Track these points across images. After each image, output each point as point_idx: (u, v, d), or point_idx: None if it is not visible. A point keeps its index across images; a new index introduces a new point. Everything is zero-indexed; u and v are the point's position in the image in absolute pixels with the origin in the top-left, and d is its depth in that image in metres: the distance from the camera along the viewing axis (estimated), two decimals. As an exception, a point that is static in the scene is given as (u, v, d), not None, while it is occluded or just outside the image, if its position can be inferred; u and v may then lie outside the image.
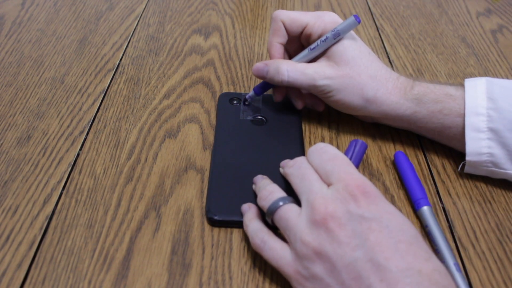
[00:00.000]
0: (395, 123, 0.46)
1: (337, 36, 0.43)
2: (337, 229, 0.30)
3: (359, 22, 0.42)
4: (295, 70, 0.44)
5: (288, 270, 0.32)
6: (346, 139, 0.47)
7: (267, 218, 0.35)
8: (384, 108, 0.43)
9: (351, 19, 0.42)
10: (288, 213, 0.33)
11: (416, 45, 0.63)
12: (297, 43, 0.48)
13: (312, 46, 0.45)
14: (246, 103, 0.49)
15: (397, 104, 0.43)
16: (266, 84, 0.47)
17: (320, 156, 0.35)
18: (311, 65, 0.44)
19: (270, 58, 0.47)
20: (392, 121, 0.45)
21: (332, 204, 0.31)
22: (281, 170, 0.39)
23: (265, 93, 0.49)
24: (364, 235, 0.29)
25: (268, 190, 0.36)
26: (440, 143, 0.46)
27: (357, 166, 0.40)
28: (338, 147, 0.46)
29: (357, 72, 0.43)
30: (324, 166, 0.34)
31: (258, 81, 0.54)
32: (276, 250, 0.33)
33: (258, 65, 0.46)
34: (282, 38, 0.47)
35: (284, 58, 0.47)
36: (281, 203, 0.34)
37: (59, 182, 0.41)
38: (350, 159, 0.40)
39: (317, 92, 0.44)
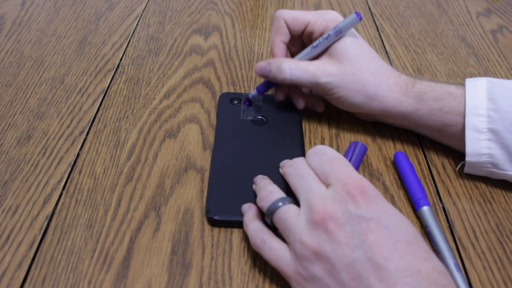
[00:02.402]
0: (396, 121, 0.46)
1: (339, 34, 0.43)
2: (336, 230, 0.30)
3: (360, 19, 0.42)
4: (297, 68, 0.44)
5: (287, 271, 0.32)
6: (346, 139, 0.47)
7: (266, 218, 0.35)
8: (386, 105, 0.43)
9: (353, 16, 0.42)
10: (287, 213, 0.33)
11: (416, 45, 0.63)
12: (300, 42, 0.49)
13: (314, 44, 0.45)
14: (249, 102, 0.49)
15: (398, 101, 0.43)
16: (269, 83, 0.47)
17: (319, 157, 0.35)
18: (313, 62, 0.44)
19: (273, 56, 0.47)
20: (393, 118, 0.45)
21: (331, 204, 0.31)
22: (280, 170, 0.39)
23: (266, 93, 0.49)
24: (363, 235, 0.29)
25: (267, 191, 0.36)
26: (440, 143, 0.46)
27: (356, 168, 0.40)
28: (338, 148, 0.46)
29: (359, 69, 0.43)
30: (322, 167, 0.34)
31: (258, 81, 0.54)
32: (275, 250, 0.33)
33: (261, 64, 0.46)
34: (285, 36, 0.47)
35: (286, 56, 0.48)
36: (280, 204, 0.34)
37: (59, 182, 0.41)
38: (350, 161, 0.40)
39: (320, 90, 0.44)
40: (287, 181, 0.37)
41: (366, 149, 0.41)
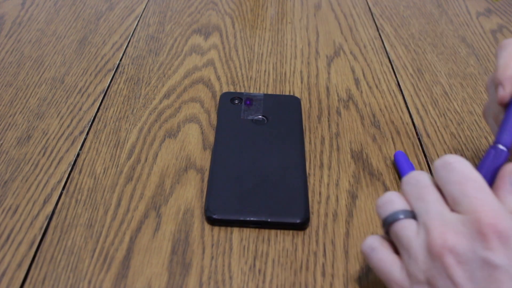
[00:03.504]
0: None
1: None
2: (454, 267, 0.26)
3: None
4: None
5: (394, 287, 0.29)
6: (346, 139, 0.47)
7: (383, 227, 0.31)
8: None
9: None
10: (404, 230, 0.29)
11: (416, 45, 0.63)
12: None
13: None
14: (249, 102, 0.48)
15: None
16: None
17: (448, 174, 0.29)
18: None
19: (503, 76, 0.35)
20: None
21: (454, 236, 0.27)
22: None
23: (265, 92, 0.49)
24: (483, 283, 0.25)
25: (387, 197, 0.31)
26: (440, 143, 0.46)
27: (490, 184, 0.31)
28: (338, 147, 0.46)
29: None
30: (451, 188, 0.29)
31: (258, 81, 0.54)
32: (384, 262, 0.30)
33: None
34: None
35: None
36: (400, 216, 0.30)
37: (59, 182, 0.41)
38: (485, 176, 0.31)
39: None
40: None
41: (506, 157, 0.32)
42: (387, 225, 0.31)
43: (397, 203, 0.31)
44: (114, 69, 0.55)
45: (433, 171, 0.31)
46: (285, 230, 0.38)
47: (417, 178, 0.31)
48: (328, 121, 0.49)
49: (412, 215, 0.30)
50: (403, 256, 0.29)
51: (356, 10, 0.71)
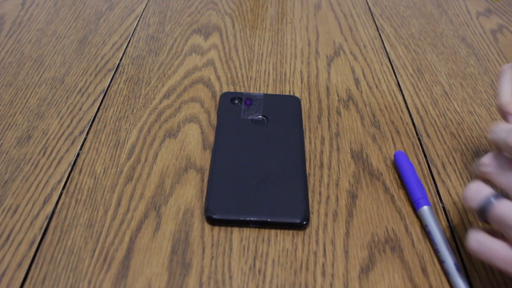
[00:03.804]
0: None
1: None
2: None
3: None
4: None
5: None
6: (346, 139, 0.47)
7: (480, 219, 0.31)
8: None
9: None
10: (509, 210, 0.29)
11: (416, 45, 0.63)
12: None
13: None
14: (249, 101, 0.48)
15: None
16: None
17: None
18: None
19: (503, 110, 0.36)
20: None
21: None
22: (478, 168, 0.33)
23: (265, 92, 0.49)
24: None
25: (472, 188, 0.32)
26: (440, 143, 0.46)
27: None
28: (338, 147, 0.46)
29: None
30: None
31: (259, 80, 0.54)
32: (497, 251, 0.29)
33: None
34: None
35: None
36: (495, 199, 0.30)
37: (59, 182, 0.41)
38: None
39: None
40: (492, 181, 0.32)
41: None
42: (486, 212, 0.30)
43: (484, 189, 0.31)
44: (114, 69, 0.55)
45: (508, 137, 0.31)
46: (285, 230, 0.38)
47: (498, 160, 0.31)
48: (328, 121, 0.49)
49: (503, 195, 0.30)
50: (511, 236, 0.29)
51: (356, 10, 0.71)
